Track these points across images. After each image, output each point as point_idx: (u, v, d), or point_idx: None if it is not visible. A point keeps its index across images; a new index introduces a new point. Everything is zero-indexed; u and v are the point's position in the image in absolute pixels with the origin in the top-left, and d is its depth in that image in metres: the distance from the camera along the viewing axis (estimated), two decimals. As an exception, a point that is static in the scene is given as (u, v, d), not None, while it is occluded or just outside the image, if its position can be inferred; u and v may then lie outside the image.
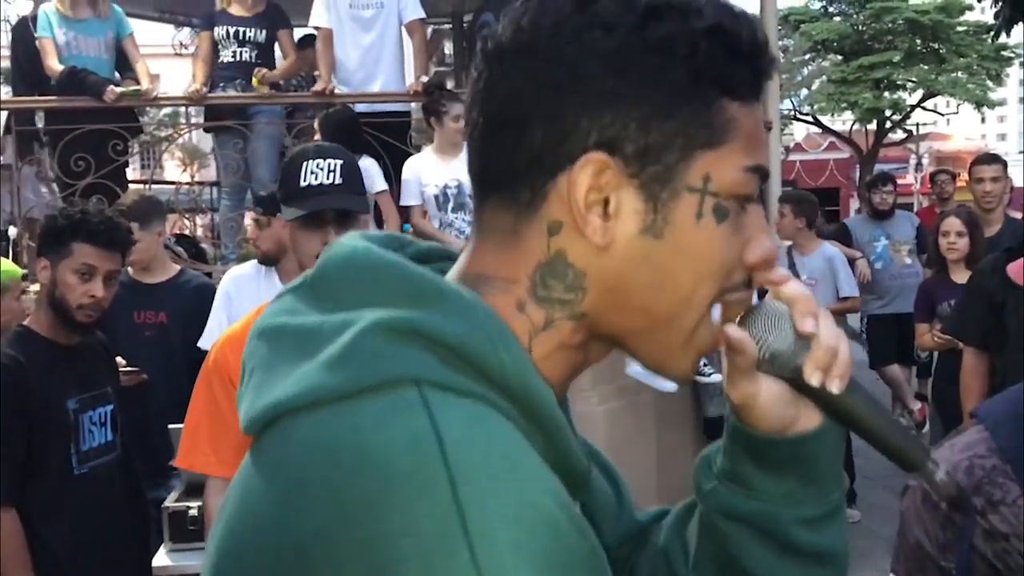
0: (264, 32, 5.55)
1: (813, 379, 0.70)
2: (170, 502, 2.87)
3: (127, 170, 5.95)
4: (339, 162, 2.01)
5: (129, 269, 3.74)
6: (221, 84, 5.57)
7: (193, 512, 2.76)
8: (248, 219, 4.30)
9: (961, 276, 4.40)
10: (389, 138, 5.17)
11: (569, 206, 0.64)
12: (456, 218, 4.82)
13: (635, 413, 4.38)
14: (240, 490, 0.62)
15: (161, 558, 2.79)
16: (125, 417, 2.81)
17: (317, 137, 4.64)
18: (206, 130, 6.27)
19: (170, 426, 2.99)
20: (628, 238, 0.65)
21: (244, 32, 5.52)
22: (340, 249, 0.67)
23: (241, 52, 5.55)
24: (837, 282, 5.31)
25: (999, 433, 0.99)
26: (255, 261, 3.53)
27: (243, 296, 3.33)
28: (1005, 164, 5.20)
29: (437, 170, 4.76)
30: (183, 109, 6.63)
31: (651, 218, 0.65)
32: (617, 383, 4.14)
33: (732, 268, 0.68)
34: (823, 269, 5.34)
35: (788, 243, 5.52)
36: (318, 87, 5.47)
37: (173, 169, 16.49)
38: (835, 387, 0.70)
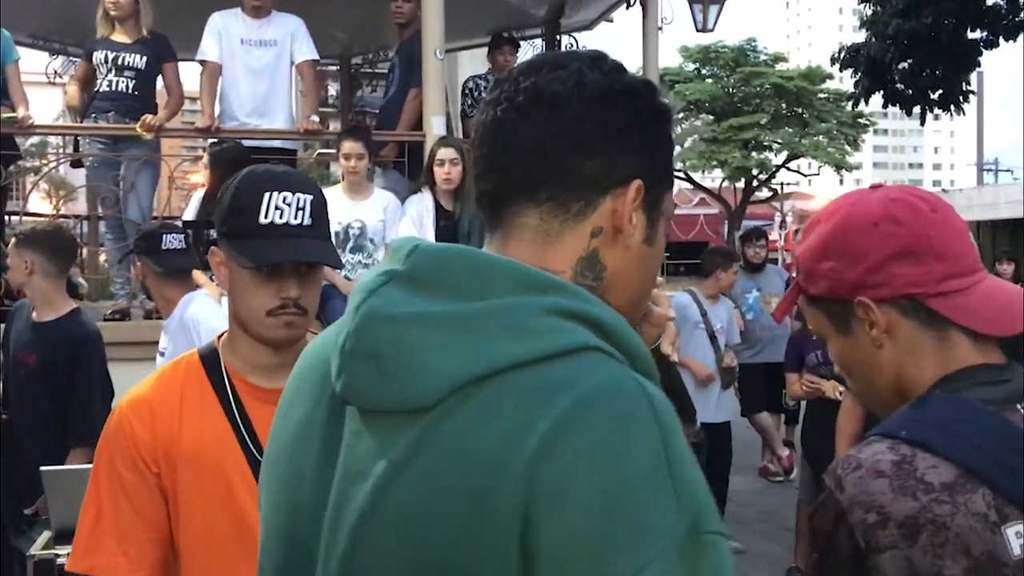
0: (145, 59, 5.30)
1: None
2: (36, 550, 2.71)
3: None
4: (308, 198, 1.55)
5: None
6: (93, 115, 5.34)
7: (62, 560, 2.61)
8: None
9: (828, 328, 4.63)
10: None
11: (610, 216, 0.89)
12: (351, 259, 4.74)
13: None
14: (420, 459, 0.76)
15: (26, 610, 2.62)
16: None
17: (203, 173, 4.53)
18: (75, 163, 5.99)
19: (41, 468, 2.84)
20: (637, 244, 0.92)
21: (123, 58, 5.28)
22: (432, 249, 0.84)
23: (117, 81, 5.30)
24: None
25: (934, 440, 1.05)
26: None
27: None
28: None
29: (343, 209, 4.66)
30: (52, 139, 6.36)
31: (650, 232, 0.93)
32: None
33: None
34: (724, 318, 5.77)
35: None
36: (202, 123, 5.35)
37: (37, 201, 15.68)
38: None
